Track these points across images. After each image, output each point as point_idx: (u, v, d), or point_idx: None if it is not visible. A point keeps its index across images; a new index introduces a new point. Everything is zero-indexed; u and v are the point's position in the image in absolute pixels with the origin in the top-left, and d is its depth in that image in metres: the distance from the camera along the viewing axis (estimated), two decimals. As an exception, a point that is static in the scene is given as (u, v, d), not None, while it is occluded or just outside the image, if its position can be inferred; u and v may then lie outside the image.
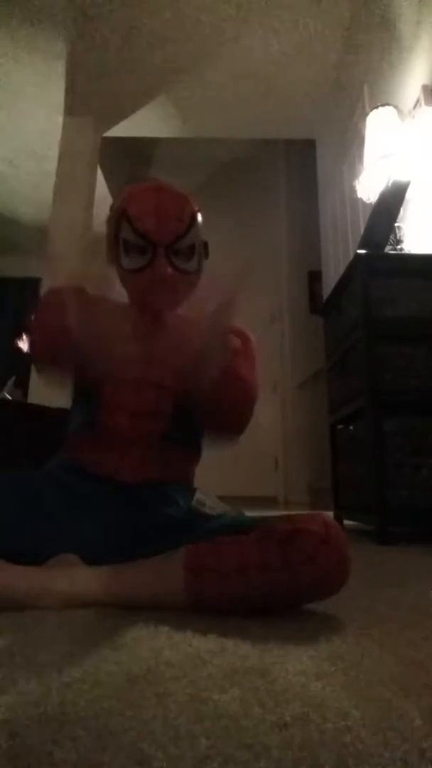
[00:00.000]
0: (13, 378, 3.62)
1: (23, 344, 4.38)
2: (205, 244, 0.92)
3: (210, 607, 0.61)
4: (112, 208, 0.89)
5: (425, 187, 1.81)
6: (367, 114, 1.97)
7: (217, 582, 0.60)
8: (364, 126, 1.99)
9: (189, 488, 0.88)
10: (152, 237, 0.83)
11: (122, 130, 3.48)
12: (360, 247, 1.70)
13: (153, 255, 0.83)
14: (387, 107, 1.88)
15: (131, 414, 0.83)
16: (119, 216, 0.85)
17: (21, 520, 0.70)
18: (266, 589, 0.59)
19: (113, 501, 0.78)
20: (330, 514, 1.92)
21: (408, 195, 1.80)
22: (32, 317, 0.80)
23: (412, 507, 1.38)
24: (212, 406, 0.82)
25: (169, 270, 0.83)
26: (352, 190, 2.31)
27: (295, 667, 0.43)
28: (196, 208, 0.88)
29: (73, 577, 0.64)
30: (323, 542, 0.60)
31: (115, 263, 0.89)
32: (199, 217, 0.88)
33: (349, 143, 2.70)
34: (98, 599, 0.62)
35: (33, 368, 2.96)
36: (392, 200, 1.75)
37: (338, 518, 1.87)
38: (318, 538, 0.60)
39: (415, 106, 1.91)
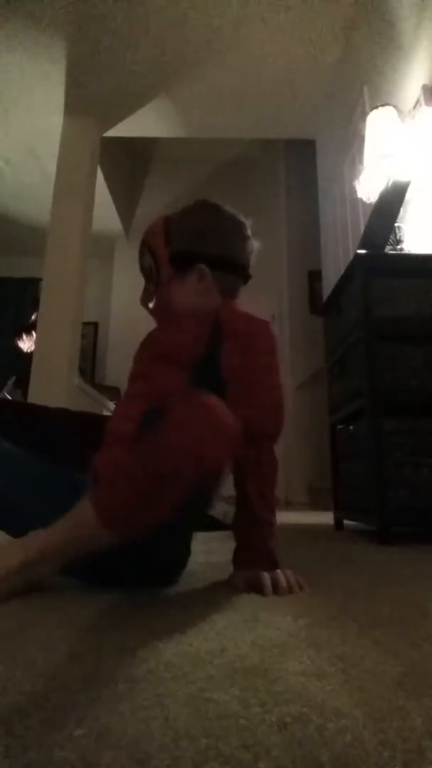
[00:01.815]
0: (13, 378, 3.62)
1: (23, 344, 4.38)
2: (183, 253, 0.92)
3: (124, 516, 0.65)
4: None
5: (425, 187, 1.81)
6: (367, 114, 1.97)
7: (110, 481, 0.65)
8: (364, 126, 1.99)
9: None
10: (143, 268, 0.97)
11: (122, 130, 3.48)
12: (360, 247, 1.71)
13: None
14: (387, 107, 1.88)
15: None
16: None
17: (37, 511, 0.74)
18: (151, 466, 0.63)
19: None
20: (330, 514, 1.92)
21: (408, 195, 1.80)
22: None
23: (413, 507, 1.38)
24: None
25: (151, 296, 0.96)
26: (352, 190, 2.31)
27: (295, 667, 0.43)
28: (152, 232, 0.94)
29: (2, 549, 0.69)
30: (187, 412, 0.64)
31: None
32: (154, 238, 0.93)
33: (349, 143, 2.70)
34: (25, 562, 0.66)
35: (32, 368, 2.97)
36: (392, 200, 1.75)
37: (338, 518, 1.88)
38: (183, 410, 0.64)
39: (415, 106, 1.91)
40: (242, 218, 0.97)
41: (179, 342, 0.85)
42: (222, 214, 0.95)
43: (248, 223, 0.97)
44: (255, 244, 0.96)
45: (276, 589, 0.71)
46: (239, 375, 0.79)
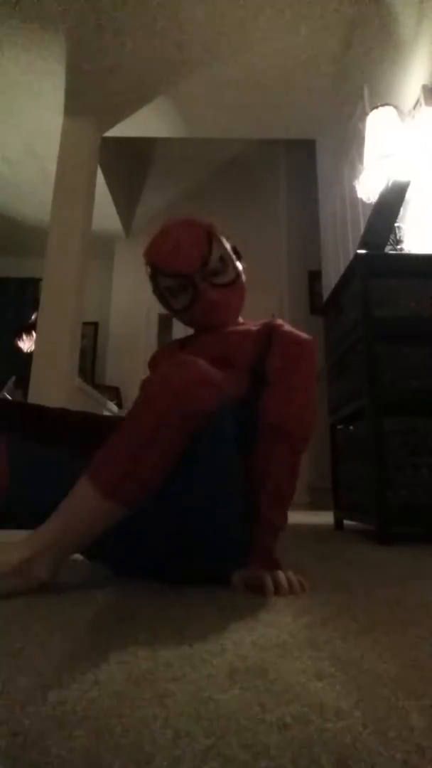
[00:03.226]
0: (13, 378, 3.62)
1: (23, 344, 4.38)
2: (234, 248, 0.99)
3: (118, 477, 0.66)
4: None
5: (425, 187, 1.81)
6: (367, 114, 1.97)
7: (103, 450, 0.68)
8: (364, 126, 1.99)
9: None
10: (184, 272, 0.90)
11: (122, 130, 3.47)
12: (360, 247, 1.70)
13: (194, 287, 0.92)
14: (387, 107, 1.88)
15: None
16: (151, 272, 0.95)
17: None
18: (137, 417, 0.68)
19: None
20: (330, 514, 1.92)
21: (408, 195, 1.80)
22: None
23: (412, 507, 1.38)
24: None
25: (214, 291, 0.92)
26: (352, 190, 2.31)
27: (295, 667, 0.43)
28: (209, 224, 0.95)
29: (11, 546, 0.68)
30: (171, 365, 0.70)
31: (169, 309, 0.99)
32: (217, 231, 0.95)
33: (349, 143, 2.70)
34: (28, 558, 0.66)
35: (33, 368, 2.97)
36: (392, 200, 1.75)
37: (338, 518, 1.87)
38: (167, 364, 0.70)
39: (415, 106, 1.91)
40: None
41: (244, 347, 0.91)
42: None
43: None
44: None
45: (277, 589, 0.71)
46: (282, 375, 0.87)
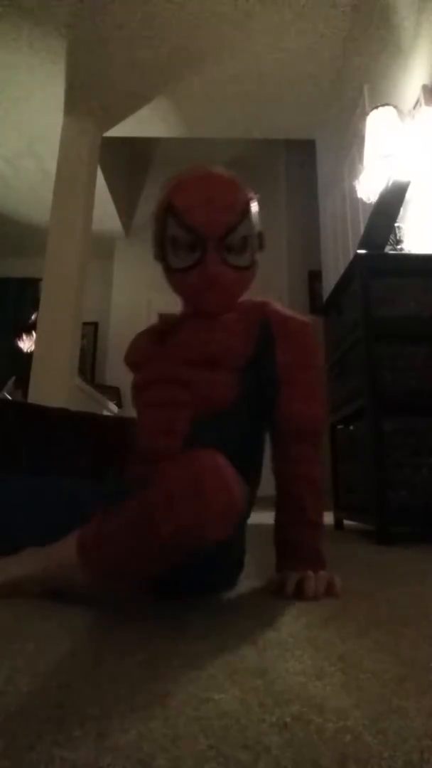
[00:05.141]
0: (13, 378, 3.62)
1: (23, 344, 4.38)
2: (260, 235, 0.83)
3: (105, 572, 0.62)
4: (157, 202, 0.82)
5: (425, 187, 1.81)
6: (367, 114, 1.97)
7: (97, 539, 0.61)
8: (364, 126, 1.99)
9: None
10: (201, 231, 0.75)
11: (122, 130, 3.47)
12: (360, 247, 1.70)
13: (203, 251, 0.76)
14: (387, 107, 1.88)
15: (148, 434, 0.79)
16: (165, 210, 0.79)
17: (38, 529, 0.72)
18: (144, 536, 0.57)
19: None
20: (330, 514, 1.92)
21: (408, 195, 1.80)
22: None
23: (412, 507, 1.37)
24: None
25: (222, 267, 0.76)
26: (352, 190, 2.31)
27: (295, 667, 0.43)
28: (250, 196, 0.80)
29: None
30: (187, 479, 0.56)
31: (163, 262, 0.82)
32: (254, 207, 0.80)
33: (349, 143, 2.70)
34: (23, 572, 0.67)
35: (33, 368, 2.97)
36: (392, 200, 1.75)
37: (338, 518, 1.87)
38: (180, 476, 0.57)
39: (415, 106, 1.90)
40: None
41: (232, 345, 0.79)
42: None
43: None
44: None
45: (301, 593, 0.67)
46: (296, 373, 0.78)
